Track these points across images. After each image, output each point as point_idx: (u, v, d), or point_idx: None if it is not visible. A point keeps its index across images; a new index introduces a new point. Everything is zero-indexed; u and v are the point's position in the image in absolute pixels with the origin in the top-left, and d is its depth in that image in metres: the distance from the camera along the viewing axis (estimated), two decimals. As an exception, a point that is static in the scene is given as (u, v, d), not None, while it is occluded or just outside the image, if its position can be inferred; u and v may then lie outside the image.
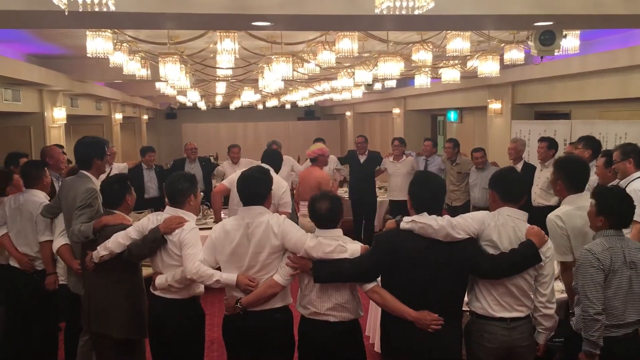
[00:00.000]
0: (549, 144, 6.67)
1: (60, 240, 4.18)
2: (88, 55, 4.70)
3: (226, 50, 4.82)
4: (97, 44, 4.58)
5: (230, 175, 6.06)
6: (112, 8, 2.36)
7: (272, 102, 14.86)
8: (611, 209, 3.19)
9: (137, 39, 5.53)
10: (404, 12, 1.91)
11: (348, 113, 18.98)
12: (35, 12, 3.53)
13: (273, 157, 5.49)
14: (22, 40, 6.62)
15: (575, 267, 3.27)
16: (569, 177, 3.68)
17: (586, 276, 3.07)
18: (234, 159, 8.57)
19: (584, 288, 3.07)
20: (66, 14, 2.40)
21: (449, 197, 8.36)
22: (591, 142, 5.63)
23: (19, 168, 4.82)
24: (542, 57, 4.92)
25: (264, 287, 3.26)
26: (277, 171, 5.46)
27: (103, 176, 7.97)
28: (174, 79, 5.80)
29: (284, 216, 3.40)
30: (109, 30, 4.64)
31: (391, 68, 5.52)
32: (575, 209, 3.57)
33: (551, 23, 4.27)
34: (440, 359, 3.09)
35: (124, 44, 5.31)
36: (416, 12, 1.93)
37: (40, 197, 4.47)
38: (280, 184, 5.25)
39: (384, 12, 1.98)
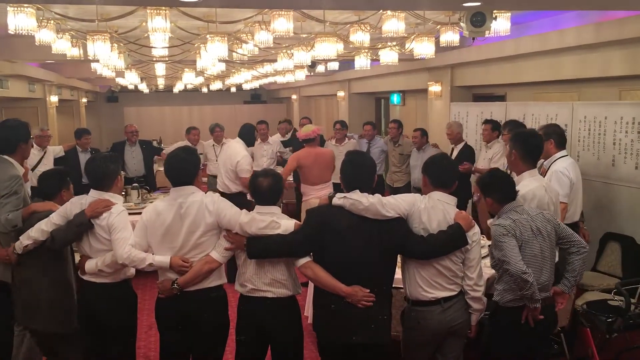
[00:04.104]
0: (493, 126, 6.88)
1: None
2: (10, 32, 4.47)
3: (158, 29, 4.68)
4: (20, 20, 4.35)
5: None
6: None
7: (216, 85, 14.62)
8: (492, 188, 3.37)
9: (65, 16, 5.30)
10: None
11: (294, 96, 18.90)
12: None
13: (246, 132, 6.64)
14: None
15: (491, 244, 3.36)
16: (524, 149, 3.72)
17: (504, 245, 3.16)
18: (193, 142, 8.60)
19: (505, 256, 3.14)
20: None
21: (391, 178, 8.48)
22: (516, 126, 5.79)
23: None
24: (473, 39, 5.01)
25: (200, 264, 3.26)
26: (249, 145, 6.62)
27: (36, 159, 7.62)
28: (105, 59, 5.62)
29: (217, 194, 3.40)
30: (33, 6, 4.43)
31: (328, 49, 5.50)
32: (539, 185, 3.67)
33: (479, 4, 4.34)
34: (370, 335, 3.14)
35: (51, 21, 5.08)
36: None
37: None
38: (238, 151, 6.38)
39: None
